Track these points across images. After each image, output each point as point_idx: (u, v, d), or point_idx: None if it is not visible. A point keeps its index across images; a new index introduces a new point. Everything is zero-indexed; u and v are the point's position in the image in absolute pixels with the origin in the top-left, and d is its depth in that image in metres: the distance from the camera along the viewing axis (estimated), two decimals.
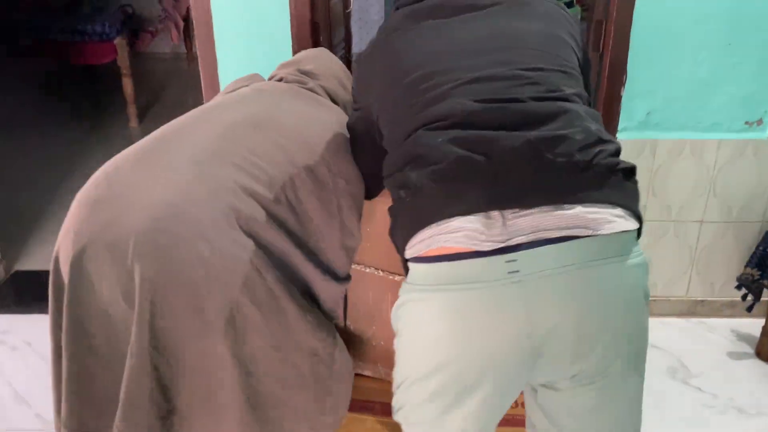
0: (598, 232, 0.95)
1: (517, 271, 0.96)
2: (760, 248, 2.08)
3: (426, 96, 1.09)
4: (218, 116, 1.31)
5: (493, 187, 0.98)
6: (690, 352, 2.22)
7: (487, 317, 0.98)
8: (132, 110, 4.21)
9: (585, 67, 1.26)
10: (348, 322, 1.95)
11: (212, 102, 1.44)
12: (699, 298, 2.40)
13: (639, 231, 1.04)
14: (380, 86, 1.20)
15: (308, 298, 1.26)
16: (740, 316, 2.35)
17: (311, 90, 1.49)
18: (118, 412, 1.07)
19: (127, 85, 4.10)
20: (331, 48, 2.28)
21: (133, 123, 4.22)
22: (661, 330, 2.34)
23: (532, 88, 1.06)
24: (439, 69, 1.12)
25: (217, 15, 2.06)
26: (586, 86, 1.24)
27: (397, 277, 1.79)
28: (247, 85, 1.48)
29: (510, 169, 0.98)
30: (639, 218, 1.03)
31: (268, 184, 1.17)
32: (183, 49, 5.45)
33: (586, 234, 0.95)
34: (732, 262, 2.33)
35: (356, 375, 1.92)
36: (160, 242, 1.06)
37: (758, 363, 2.17)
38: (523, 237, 0.96)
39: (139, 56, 4.86)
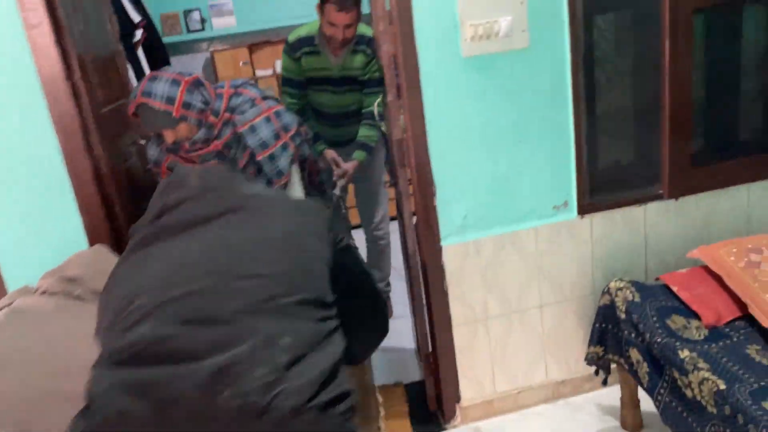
0: None
1: None
2: (596, 325, 2.13)
3: (123, 324, 1.00)
4: None
5: None
6: None
7: None
8: None
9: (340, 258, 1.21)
10: None
11: None
12: (559, 379, 2.42)
13: None
14: (99, 317, 1.11)
15: None
16: (600, 387, 2.39)
17: (78, 297, 1.38)
18: None
19: None
20: (138, 212, 2.14)
21: None
22: (532, 423, 2.31)
23: (236, 303, 0.98)
24: (140, 294, 1.03)
25: None
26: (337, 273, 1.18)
27: None
28: (9, 304, 1.31)
29: (174, 421, 0.87)
30: None
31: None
32: None
33: None
34: (578, 336, 2.38)
35: None
36: None
37: None
38: None
39: None
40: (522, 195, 2.20)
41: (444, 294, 2.23)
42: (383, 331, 1.52)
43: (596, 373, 2.23)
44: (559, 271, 2.30)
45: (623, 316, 1.99)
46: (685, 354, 1.74)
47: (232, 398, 0.86)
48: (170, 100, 1.80)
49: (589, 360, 2.17)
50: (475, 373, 2.35)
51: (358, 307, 1.28)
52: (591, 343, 2.15)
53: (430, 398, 2.44)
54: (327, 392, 0.93)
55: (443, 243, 2.19)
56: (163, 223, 1.17)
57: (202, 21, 4.74)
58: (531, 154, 2.16)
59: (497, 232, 2.22)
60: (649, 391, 1.89)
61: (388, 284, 3.31)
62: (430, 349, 2.36)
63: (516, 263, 2.26)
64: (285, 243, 1.12)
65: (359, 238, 3.06)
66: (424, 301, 2.29)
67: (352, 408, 0.97)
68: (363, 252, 3.11)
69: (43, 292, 1.38)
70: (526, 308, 2.32)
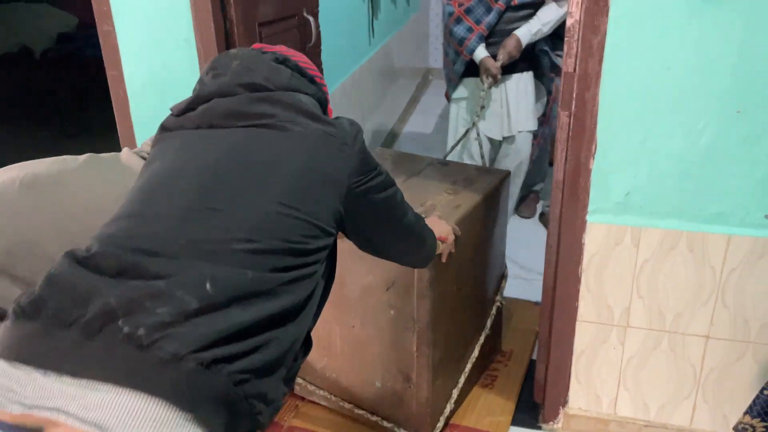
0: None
1: None
2: (765, 392, 1.50)
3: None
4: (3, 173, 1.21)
5: (40, 340, 0.82)
6: None
7: None
8: None
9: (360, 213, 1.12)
10: None
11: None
12: (708, 431, 1.83)
13: None
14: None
15: None
16: None
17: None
18: None
19: None
20: None
21: None
22: None
23: (189, 235, 0.91)
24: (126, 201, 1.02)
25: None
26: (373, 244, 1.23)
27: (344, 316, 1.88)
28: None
29: (66, 329, 0.82)
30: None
31: (5, 244, 1.10)
32: None
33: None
34: (754, 390, 1.74)
35: (308, 402, 2.10)
36: None
37: None
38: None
39: None
40: (721, 187, 1.56)
41: (576, 279, 1.76)
42: (421, 261, 1.45)
43: None
44: (749, 302, 1.65)
45: None
46: None
47: (123, 325, 0.80)
48: None
49: (739, 431, 1.57)
50: (594, 384, 1.88)
51: (380, 243, 1.25)
52: (750, 412, 1.54)
53: (538, 384, 2.05)
54: (228, 347, 0.82)
55: (590, 218, 1.69)
56: (189, 117, 1.09)
57: None
58: (752, 135, 1.49)
59: (670, 225, 1.63)
60: None
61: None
62: (548, 334, 1.94)
63: (687, 274, 1.67)
64: (280, 184, 0.98)
65: None
66: (553, 278, 1.85)
67: (265, 371, 0.87)
68: None
69: (137, 150, 1.39)
70: (685, 333, 1.74)
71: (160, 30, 1.85)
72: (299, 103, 1.08)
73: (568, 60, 1.62)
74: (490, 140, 2.97)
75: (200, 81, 1.17)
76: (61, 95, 4.59)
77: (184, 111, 1.12)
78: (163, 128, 1.13)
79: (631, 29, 1.48)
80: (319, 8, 2.38)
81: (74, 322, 0.81)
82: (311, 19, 2.26)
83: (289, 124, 1.03)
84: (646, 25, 1.47)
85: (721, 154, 1.53)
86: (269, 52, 1.18)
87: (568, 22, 1.57)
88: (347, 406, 2.00)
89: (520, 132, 2.94)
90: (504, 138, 2.95)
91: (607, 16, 1.48)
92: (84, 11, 3.22)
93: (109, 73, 1.94)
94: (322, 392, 2.04)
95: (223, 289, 0.85)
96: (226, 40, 1.84)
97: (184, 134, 1.08)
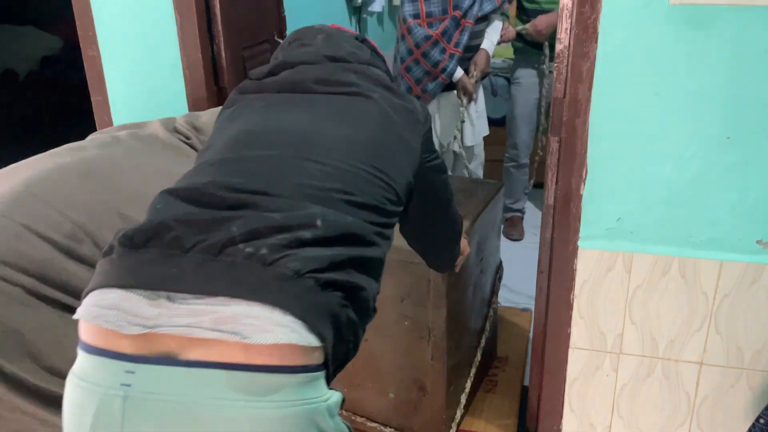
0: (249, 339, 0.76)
1: (130, 385, 0.79)
2: (761, 421, 1.48)
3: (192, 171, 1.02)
4: (50, 160, 1.27)
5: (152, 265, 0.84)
6: None
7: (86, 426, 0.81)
8: None
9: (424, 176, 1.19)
10: None
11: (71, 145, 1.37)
12: None
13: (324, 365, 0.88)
14: None
15: None
16: None
17: (191, 145, 1.43)
18: None
19: None
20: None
21: None
22: None
23: (295, 180, 0.94)
24: (213, 149, 1.03)
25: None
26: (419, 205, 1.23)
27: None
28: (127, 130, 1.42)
29: (186, 256, 0.83)
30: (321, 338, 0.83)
31: (69, 229, 1.15)
32: None
33: (234, 340, 0.76)
34: (748, 417, 1.72)
35: None
36: None
37: None
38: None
39: None
40: (712, 213, 1.56)
41: (568, 306, 1.74)
42: (447, 262, 1.57)
43: None
44: (741, 328, 1.64)
45: None
46: None
47: (244, 247, 0.83)
48: None
49: None
50: (587, 412, 1.86)
51: (427, 226, 1.34)
52: None
53: (530, 412, 2.02)
54: (334, 274, 0.87)
55: (581, 244, 1.67)
56: (272, 81, 1.15)
57: None
58: (741, 161, 1.49)
59: (662, 251, 1.62)
60: None
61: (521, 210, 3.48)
62: (541, 361, 1.91)
63: (680, 299, 1.65)
64: (368, 147, 1.05)
65: None
66: (545, 304, 1.83)
67: (358, 308, 0.91)
68: None
69: (174, 127, 1.44)
70: (679, 359, 1.72)
71: (146, 56, 1.83)
72: (380, 77, 1.18)
73: (557, 86, 1.61)
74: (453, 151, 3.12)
75: (282, 49, 1.26)
76: (45, 119, 4.54)
77: (265, 75, 1.18)
78: (240, 91, 1.17)
79: (620, 55, 1.48)
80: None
81: (193, 247, 0.83)
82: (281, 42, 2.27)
83: (373, 94, 1.11)
84: (635, 52, 1.47)
85: (712, 180, 1.52)
86: (348, 31, 1.29)
87: (558, 48, 1.57)
88: (359, 419, 2.01)
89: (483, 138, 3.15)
90: (465, 147, 3.08)
91: (596, 42, 1.48)
92: (69, 33, 3.20)
93: (94, 99, 1.92)
94: None
95: (330, 227, 0.89)
96: (213, 66, 1.82)
97: (267, 96, 1.13)
